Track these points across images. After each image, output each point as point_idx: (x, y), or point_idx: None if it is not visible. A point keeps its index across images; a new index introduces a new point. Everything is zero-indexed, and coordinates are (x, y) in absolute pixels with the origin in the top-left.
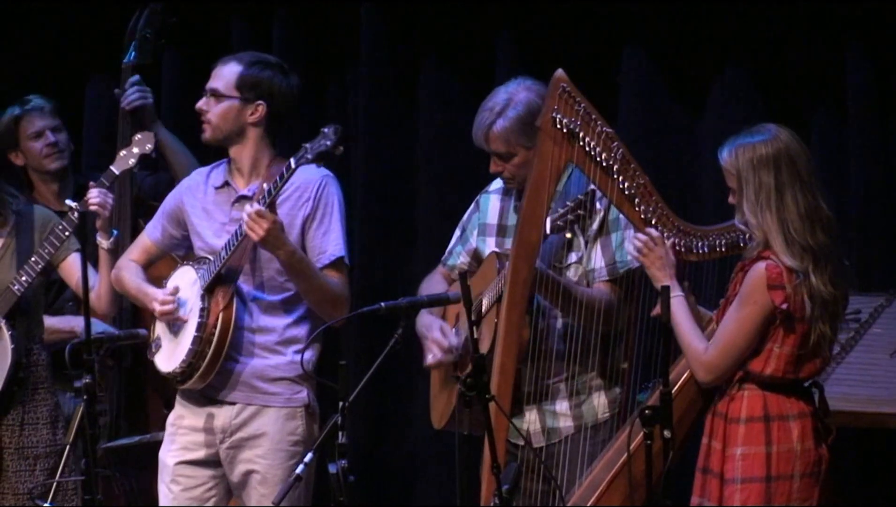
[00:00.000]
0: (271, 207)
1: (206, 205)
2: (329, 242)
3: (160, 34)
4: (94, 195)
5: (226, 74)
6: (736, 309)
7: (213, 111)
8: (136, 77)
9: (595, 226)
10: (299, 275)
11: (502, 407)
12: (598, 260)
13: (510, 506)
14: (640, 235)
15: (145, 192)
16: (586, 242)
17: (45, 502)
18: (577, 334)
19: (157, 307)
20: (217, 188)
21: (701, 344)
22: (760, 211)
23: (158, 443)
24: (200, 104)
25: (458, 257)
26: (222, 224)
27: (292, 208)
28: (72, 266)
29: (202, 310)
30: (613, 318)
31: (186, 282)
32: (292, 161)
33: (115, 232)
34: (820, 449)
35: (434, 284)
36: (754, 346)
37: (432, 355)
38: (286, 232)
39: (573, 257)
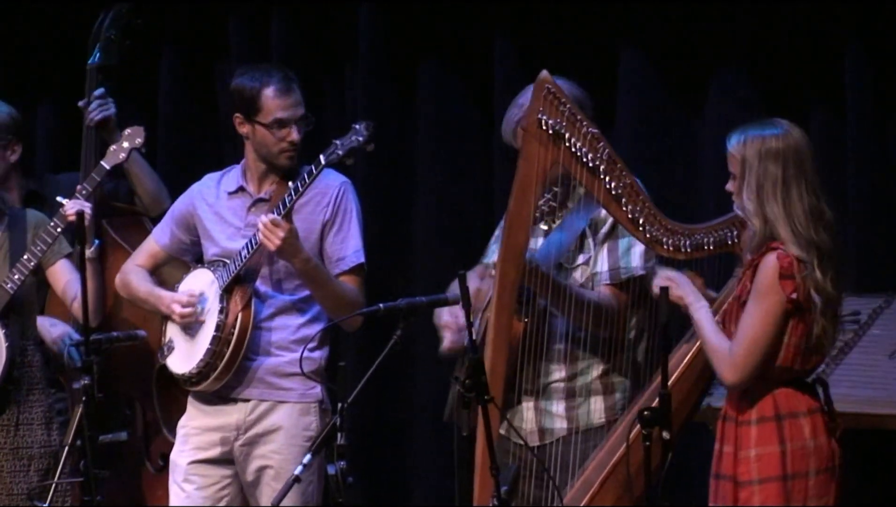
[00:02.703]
0: (288, 215)
1: (218, 209)
2: (348, 249)
3: (126, 35)
4: (71, 205)
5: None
6: (754, 304)
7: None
8: (101, 90)
9: (605, 230)
10: (314, 282)
11: (498, 408)
12: (603, 264)
13: None
14: (664, 273)
15: (107, 192)
16: (595, 245)
17: (43, 503)
18: (578, 336)
19: (179, 309)
20: (230, 193)
21: (725, 344)
22: (766, 200)
23: (119, 443)
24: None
25: (493, 254)
26: (237, 229)
27: (311, 214)
28: (59, 272)
29: (221, 310)
30: (610, 322)
31: (203, 283)
32: (322, 157)
33: (97, 242)
34: (832, 444)
35: (470, 282)
36: (778, 339)
37: (447, 340)
38: (302, 239)
39: (581, 258)
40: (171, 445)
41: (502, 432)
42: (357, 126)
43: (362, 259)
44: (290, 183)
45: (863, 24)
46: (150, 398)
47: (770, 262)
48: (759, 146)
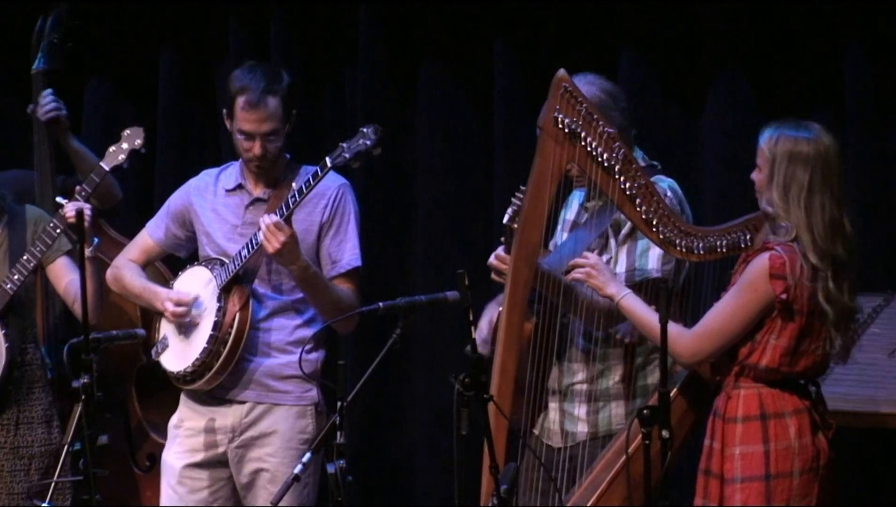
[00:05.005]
0: (289, 219)
1: (215, 206)
2: (345, 252)
3: (67, 38)
4: (70, 208)
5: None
6: (734, 295)
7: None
8: (50, 91)
9: (625, 231)
10: (312, 288)
11: (501, 408)
12: (621, 264)
13: (508, 506)
14: (581, 261)
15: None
16: (616, 246)
17: (43, 502)
18: (597, 338)
19: (171, 308)
20: (228, 190)
21: (677, 327)
22: (791, 203)
23: (101, 448)
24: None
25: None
26: (234, 226)
27: (310, 215)
28: (60, 270)
29: (219, 309)
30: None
31: (199, 281)
32: (328, 160)
33: (96, 241)
34: (818, 444)
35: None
36: (744, 334)
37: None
38: (299, 240)
39: (604, 258)
40: (157, 444)
41: (535, 431)
42: (365, 129)
43: (359, 263)
44: (293, 184)
45: (863, 24)
46: (131, 399)
47: (761, 260)
48: (790, 147)
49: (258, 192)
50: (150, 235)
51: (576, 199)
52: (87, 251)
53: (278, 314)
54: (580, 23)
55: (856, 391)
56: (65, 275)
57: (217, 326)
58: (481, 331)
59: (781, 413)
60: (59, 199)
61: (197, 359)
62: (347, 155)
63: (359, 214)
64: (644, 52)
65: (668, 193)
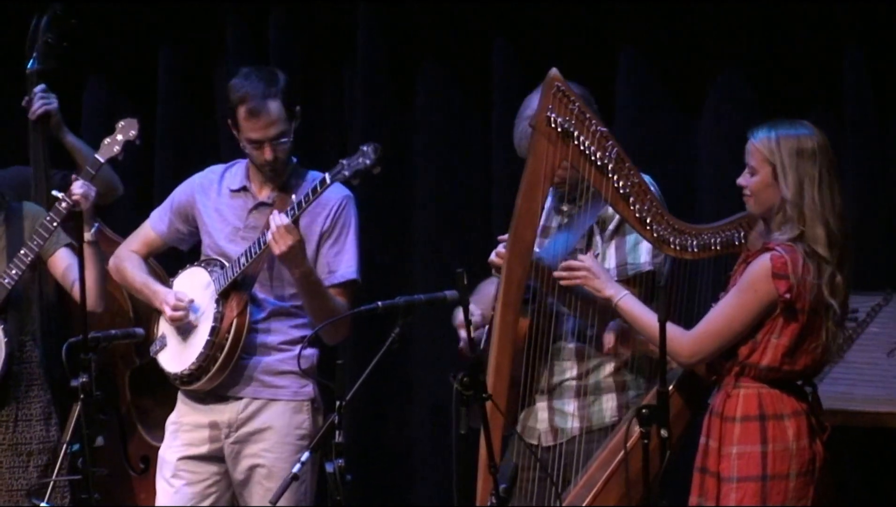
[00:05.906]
0: (295, 222)
1: (218, 206)
2: (341, 263)
3: (62, 38)
4: (78, 186)
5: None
6: (734, 295)
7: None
8: (42, 85)
9: (612, 226)
10: (311, 295)
11: (499, 407)
12: (610, 260)
13: (507, 506)
14: (576, 264)
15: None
16: (603, 242)
17: (42, 500)
18: (588, 334)
19: (170, 312)
20: (233, 191)
21: (677, 328)
22: (806, 199)
23: (95, 449)
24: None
25: None
26: (236, 229)
27: (311, 223)
28: (59, 260)
29: (216, 314)
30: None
31: (198, 284)
32: (327, 176)
33: (96, 225)
34: (815, 447)
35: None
36: (744, 335)
37: (463, 339)
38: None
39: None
40: (150, 446)
41: (519, 430)
42: (365, 148)
43: (355, 275)
44: (293, 196)
45: (862, 24)
46: (122, 390)
47: (763, 261)
48: (794, 145)
49: (262, 196)
50: (153, 228)
51: (548, 202)
52: (89, 235)
53: (275, 317)
54: (580, 22)
55: (854, 391)
56: (63, 262)
57: (215, 331)
58: (485, 295)
59: (780, 415)
60: (55, 192)
61: (194, 363)
62: (347, 173)
63: (359, 228)
64: (644, 52)
65: (653, 187)
